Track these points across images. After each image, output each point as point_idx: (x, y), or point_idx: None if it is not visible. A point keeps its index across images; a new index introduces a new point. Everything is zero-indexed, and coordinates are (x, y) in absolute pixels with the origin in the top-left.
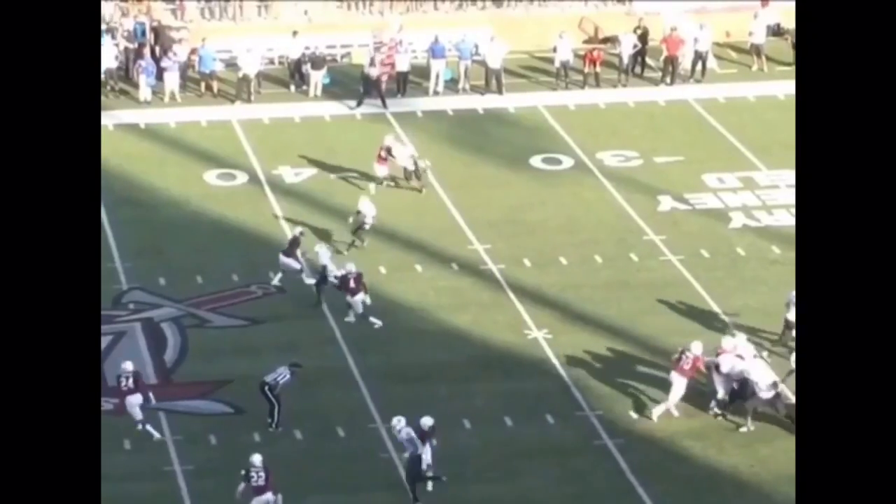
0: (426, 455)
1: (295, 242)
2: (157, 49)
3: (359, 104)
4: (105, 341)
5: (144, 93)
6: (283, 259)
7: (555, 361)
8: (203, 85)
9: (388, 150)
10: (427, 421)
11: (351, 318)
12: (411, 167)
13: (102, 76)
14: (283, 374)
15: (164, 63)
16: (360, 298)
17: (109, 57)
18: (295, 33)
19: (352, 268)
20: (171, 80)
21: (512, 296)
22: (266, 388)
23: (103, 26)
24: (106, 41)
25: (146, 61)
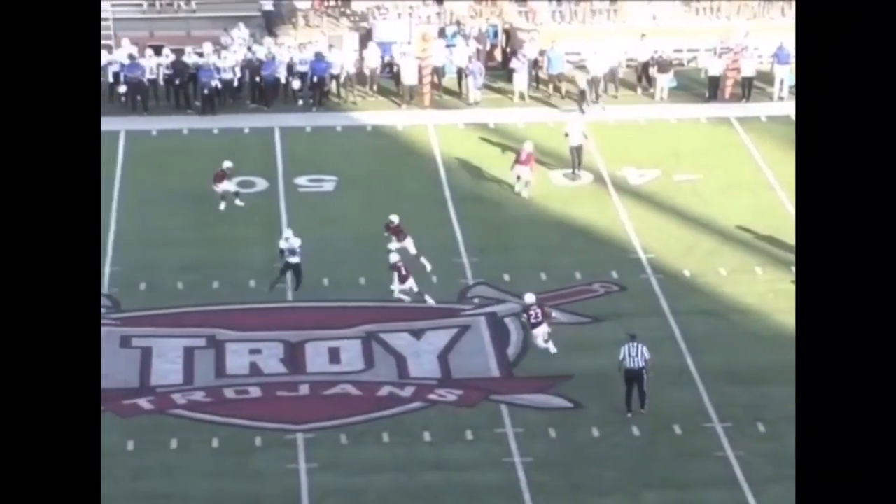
0: None
1: None
2: (507, 50)
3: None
4: (450, 334)
5: (473, 95)
6: None
7: None
8: (551, 86)
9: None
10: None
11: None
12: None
13: (433, 77)
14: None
15: (513, 64)
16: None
17: (463, 57)
18: (643, 36)
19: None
20: (521, 81)
21: None
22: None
23: (453, 28)
24: (458, 42)
25: (473, 65)
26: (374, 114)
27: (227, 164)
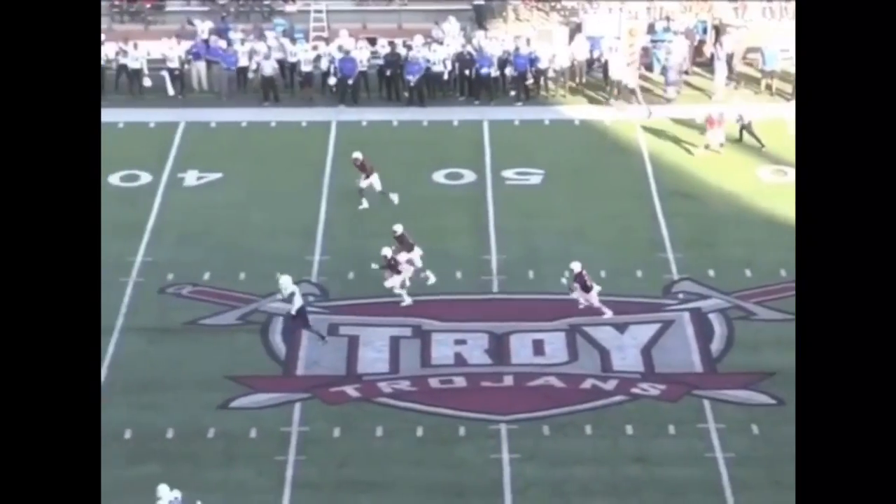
0: None
1: None
2: (717, 46)
3: None
4: (653, 329)
5: (671, 91)
6: None
7: None
8: (762, 83)
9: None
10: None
11: None
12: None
13: (639, 72)
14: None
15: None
16: None
17: (679, 53)
18: None
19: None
20: (719, 77)
21: None
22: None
23: (663, 23)
24: (676, 39)
25: (672, 60)
26: (581, 108)
27: (357, 154)
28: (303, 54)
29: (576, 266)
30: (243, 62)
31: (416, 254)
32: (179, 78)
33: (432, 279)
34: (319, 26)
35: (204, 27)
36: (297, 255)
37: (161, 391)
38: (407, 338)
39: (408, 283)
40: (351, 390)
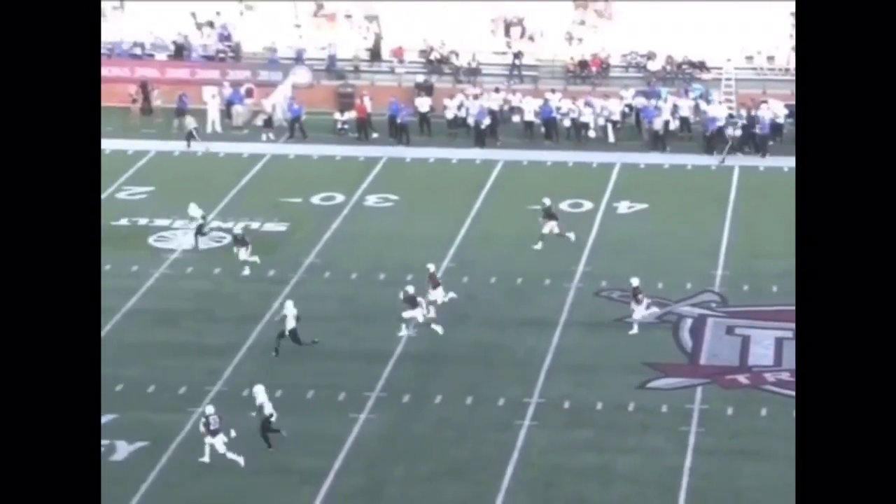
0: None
1: None
2: None
3: None
4: None
5: None
6: None
7: None
8: None
9: None
10: None
11: None
12: None
13: None
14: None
15: None
16: None
17: None
18: None
19: None
20: None
21: None
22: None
23: None
24: None
25: None
26: None
27: (545, 200)
28: (716, 112)
29: (634, 281)
30: (665, 116)
31: (440, 291)
32: (619, 129)
33: (440, 330)
34: (728, 90)
35: (629, 92)
36: (704, 270)
37: (593, 372)
38: (788, 339)
39: (421, 319)
40: (742, 378)
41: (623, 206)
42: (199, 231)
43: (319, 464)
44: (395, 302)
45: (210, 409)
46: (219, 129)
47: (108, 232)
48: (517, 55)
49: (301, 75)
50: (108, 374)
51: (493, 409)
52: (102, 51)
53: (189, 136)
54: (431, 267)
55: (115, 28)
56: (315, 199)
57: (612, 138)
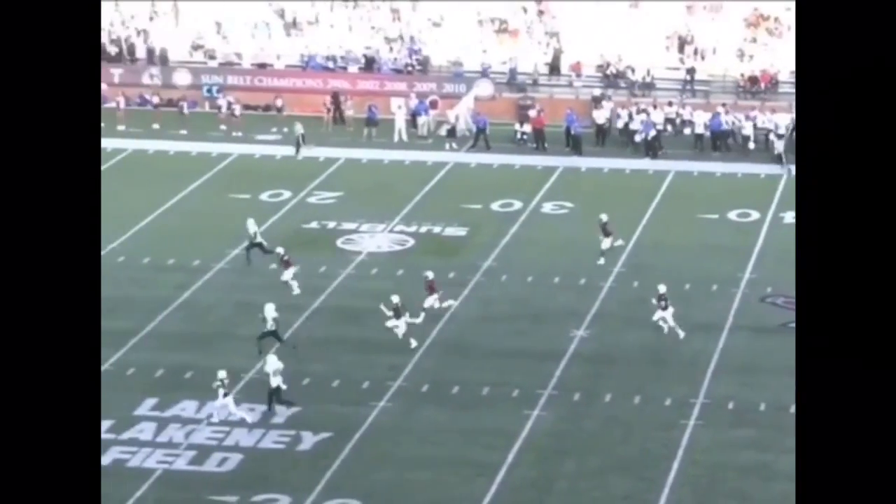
0: None
1: None
2: None
3: None
4: None
5: None
6: None
7: None
8: None
9: None
10: None
11: None
12: None
13: None
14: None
15: None
16: None
17: None
18: None
19: None
20: None
21: None
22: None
23: None
24: None
25: None
26: None
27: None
28: None
29: (662, 288)
30: None
31: (435, 298)
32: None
33: (413, 343)
34: None
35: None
36: None
37: (757, 374)
38: None
39: (403, 328)
40: None
41: (789, 217)
42: (252, 246)
43: (493, 457)
44: (569, 304)
45: (222, 374)
46: (405, 137)
47: (300, 234)
48: (690, 71)
49: (483, 88)
50: (296, 369)
51: (660, 409)
52: (298, 63)
53: (298, 143)
54: (430, 274)
55: (309, 42)
56: (494, 206)
57: (777, 150)
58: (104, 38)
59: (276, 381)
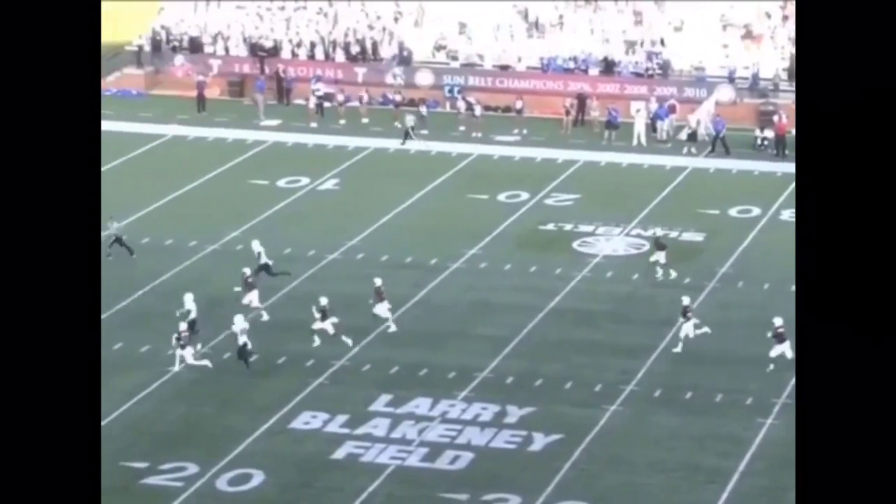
0: None
1: None
2: None
3: None
4: None
5: None
6: None
7: None
8: None
9: None
10: None
11: None
12: None
13: None
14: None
15: None
16: None
17: None
18: None
19: None
20: None
21: None
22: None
23: None
24: None
25: None
26: None
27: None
28: None
29: (685, 300)
30: None
31: (383, 307)
32: None
33: (349, 342)
34: None
35: None
36: None
37: None
38: None
39: (331, 331)
40: None
41: None
42: (262, 268)
43: (726, 464)
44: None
45: (183, 326)
46: (643, 142)
47: (536, 235)
48: None
49: (724, 93)
50: (527, 369)
51: None
52: (537, 65)
53: (406, 134)
54: (378, 281)
55: (551, 44)
56: (732, 212)
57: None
58: (350, 38)
59: (242, 340)
